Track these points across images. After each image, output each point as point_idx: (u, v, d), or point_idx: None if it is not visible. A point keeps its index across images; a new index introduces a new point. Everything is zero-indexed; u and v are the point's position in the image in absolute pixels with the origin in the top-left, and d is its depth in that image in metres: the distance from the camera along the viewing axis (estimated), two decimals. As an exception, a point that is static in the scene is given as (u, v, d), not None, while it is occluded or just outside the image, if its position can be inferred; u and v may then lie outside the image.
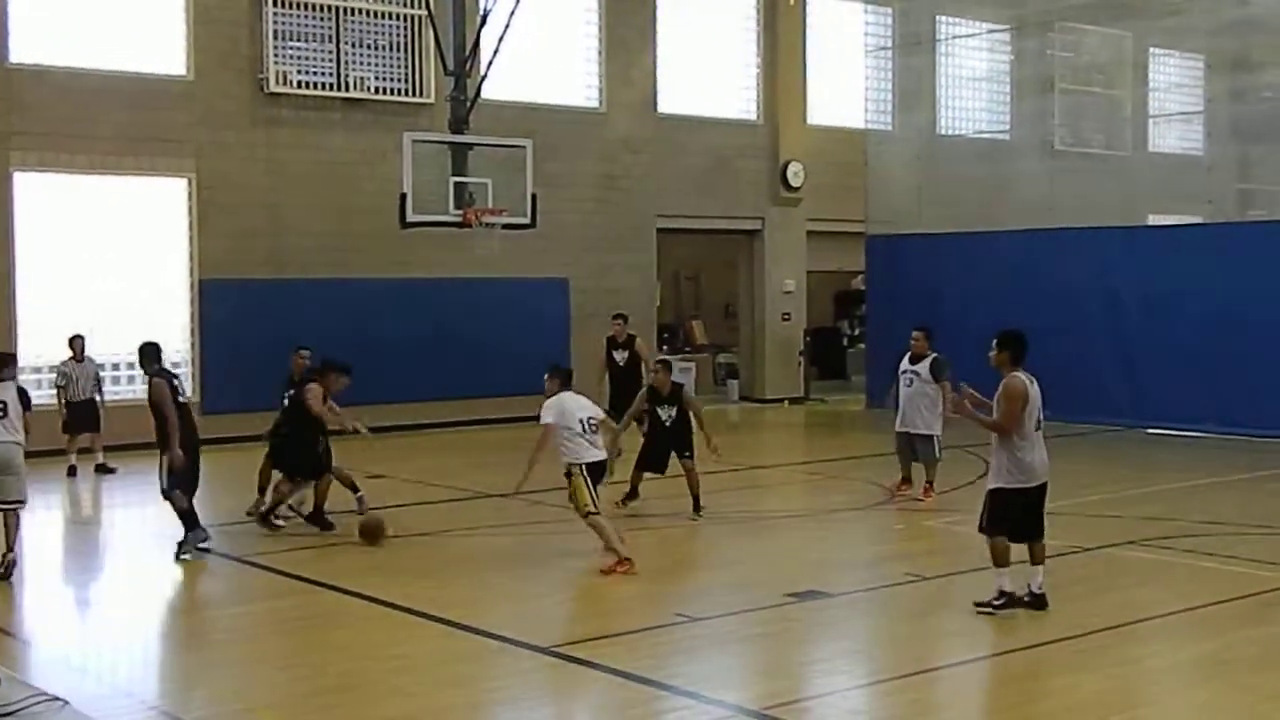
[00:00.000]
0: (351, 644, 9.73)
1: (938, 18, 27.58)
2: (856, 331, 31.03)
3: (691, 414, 14.35)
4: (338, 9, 21.78)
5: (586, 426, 11.87)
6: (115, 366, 20.05)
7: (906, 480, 15.41)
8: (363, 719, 8.03)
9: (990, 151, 27.11)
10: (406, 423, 20.95)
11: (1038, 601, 10.01)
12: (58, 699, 5.37)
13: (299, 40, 21.58)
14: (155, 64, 20.63)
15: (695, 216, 26.54)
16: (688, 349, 29.31)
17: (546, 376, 12.26)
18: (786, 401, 27.27)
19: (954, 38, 27.72)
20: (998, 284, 23.08)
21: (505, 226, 19.62)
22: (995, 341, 10.14)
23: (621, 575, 11.45)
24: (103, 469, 17.73)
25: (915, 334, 15.29)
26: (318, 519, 13.64)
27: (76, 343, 18.03)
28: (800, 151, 27.36)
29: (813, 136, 27.64)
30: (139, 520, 15.18)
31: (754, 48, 27.19)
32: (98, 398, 18.05)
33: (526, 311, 23.14)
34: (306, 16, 21.55)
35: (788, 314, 27.86)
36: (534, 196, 19.73)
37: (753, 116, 27.22)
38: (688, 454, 14.24)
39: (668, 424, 14.23)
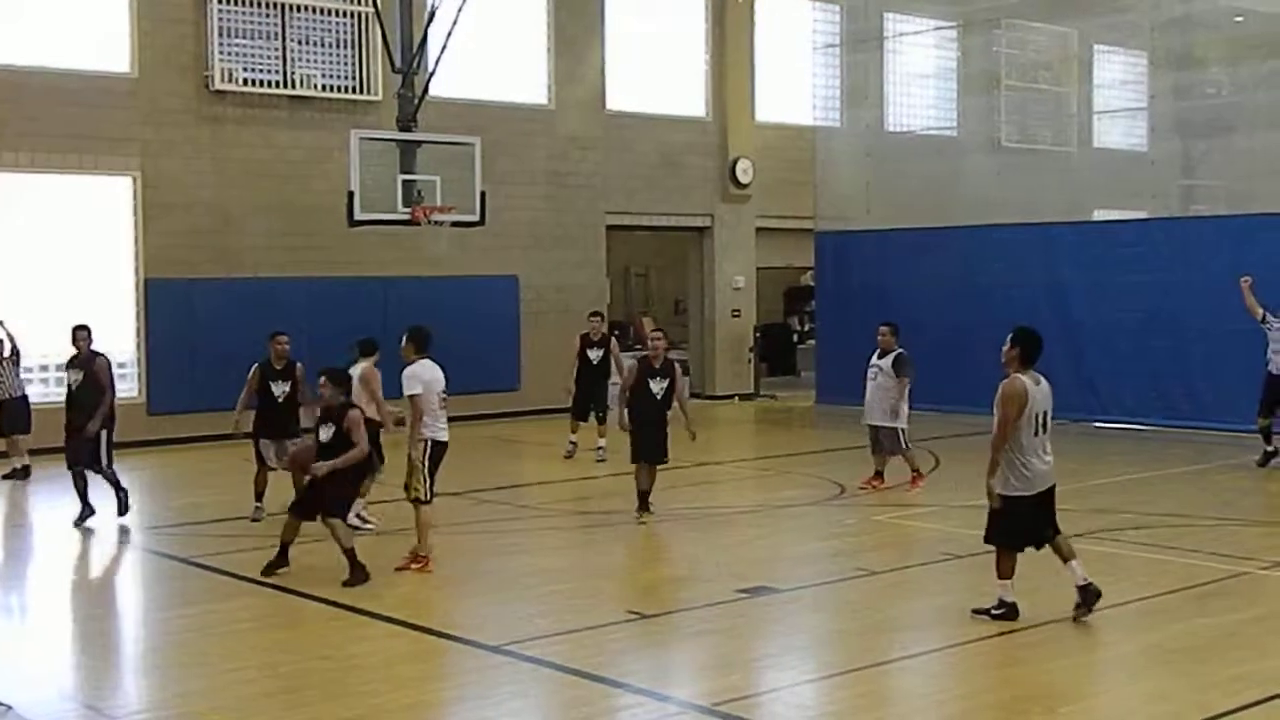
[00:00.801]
0: (300, 645, 9.66)
1: (885, 15, 27.69)
2: (806, 327, 31.12)
3: (675, 393, 14.00)
4: (283, 6, 21.60)
5: (441, 401, 11.80)
6: (59, 367, 19.80)
7: (878, 475, 15.66)
8: (312, 719, 7.99)
9: (938, 148, 27.25)
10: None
11: (1087, 594, 9.69)
12: (1, 704, 5.31)
13: (244, 38, 21.39)
14: (99, 62, 20.41)
15: (645, 213, 26.54)
16: (638, 346, 29.29)
17: (404, 340, 11.90)
18: (737, 398, 27.31)
19: (901, 35, 27.84)
20: (946, 279, 23.24)
21: (454, 224, 19.56)
22: (1009, 338, 9.75)
23: (418, 572, 11.48)
24: (23, 472, 17.20)
25: (881, 329, 15.67)
26: None
27: None
28: (749, 148, 27.41)
29: (761, 133, 27.69)
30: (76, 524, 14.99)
31: (703, 45, 27.22)
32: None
33: (476, 309, 23.00)
34: (252, 14, 21.36)
35: (738, 310, 27.91)
36: (483, 194, 19.67)
37: (702, 113, 27.24)
38: (665, 458, 13.98)
39: (659, 397, 13.75)
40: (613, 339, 19.15)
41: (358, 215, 18.64)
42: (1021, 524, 9.69)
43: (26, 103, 19.63)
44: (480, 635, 9.63)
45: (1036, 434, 9.63)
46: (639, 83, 26.20)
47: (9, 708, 5.37)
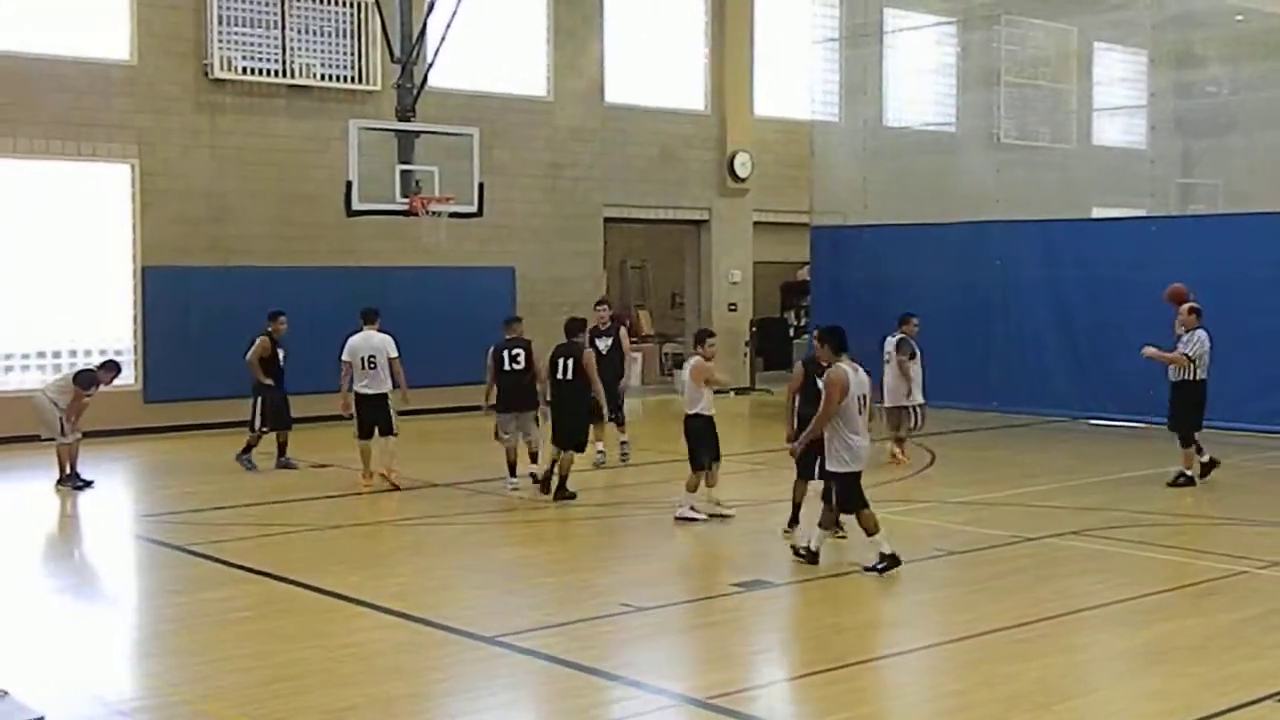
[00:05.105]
0: (295, 634, 9.66)
1: (884, 9, 27.64)
2: (802, 322, 31.08)
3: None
4: (283, -6, 21.59)
5: (365, 364, 15.01)
6: (56, 355, 19.82)
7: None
8: (306, 708, 7.98)
9: (936, 143, 27.19)
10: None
11: (814, 557, 11.41)
12: (-4, 690, 5.32)
13: (244, 26, 21.36)
14: (98, 49, 20.38)
15: (642, 206, 26.54)
16: (634, 339, 29.27)
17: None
18: (732, 392, 27.30)
19: (900, 30, 27.78)
20: (943, 275, 23.21)
21: (452, 215, 19.49)
22: (816, 335, 11.25)
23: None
24: None
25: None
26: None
27: None
28: (747, 142, 27.41)
29: (760, 127, 27.69)
30: (72, 512, 15.00)
31: (702, 38, 27.21)
32: None
33: (473, 300, 23.01)
34: (251, 2, 21.33)
35: (734, 304, 27.91)
36: (481, 185, 19.61)
37: (700, 107, 27.23)
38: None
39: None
40: (621, 328, 18.55)
41: (355, 205, 18.57)
42: (859, 490, 11.19)
43: (25, 89, 19.60)
44: (475, 626, 9.63)
45: (860, 413, 11.04)
46: (638, 75, 26.20)
47: (5, 693, 5.37)
